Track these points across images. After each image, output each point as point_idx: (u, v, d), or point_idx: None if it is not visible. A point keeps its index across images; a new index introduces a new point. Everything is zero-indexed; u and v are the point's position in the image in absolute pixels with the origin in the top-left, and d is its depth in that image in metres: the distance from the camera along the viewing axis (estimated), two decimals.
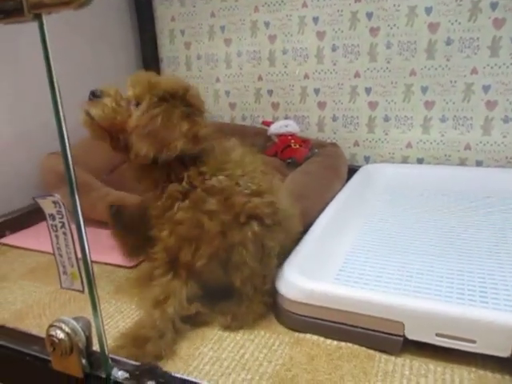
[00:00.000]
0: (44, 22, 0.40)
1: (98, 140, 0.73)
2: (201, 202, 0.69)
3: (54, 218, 0.48)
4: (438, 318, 0.61)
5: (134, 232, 0.83)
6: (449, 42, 1.28)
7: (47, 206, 0.47)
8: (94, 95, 0.70)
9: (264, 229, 0.69)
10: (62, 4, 0.38)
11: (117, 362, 0.54)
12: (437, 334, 0.62)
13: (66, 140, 0.44)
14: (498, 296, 0.75)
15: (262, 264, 0.71)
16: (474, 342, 0.60)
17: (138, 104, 0.70)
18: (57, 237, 0.48)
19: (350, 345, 0.67)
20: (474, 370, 0.61)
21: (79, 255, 0.48)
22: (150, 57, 1.67)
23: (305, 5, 1.41)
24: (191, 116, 0.69)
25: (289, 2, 1.43)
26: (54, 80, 0.42)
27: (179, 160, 0.70)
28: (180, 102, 0.70)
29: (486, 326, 0.58)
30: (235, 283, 0.71)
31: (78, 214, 0.46)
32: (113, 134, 0.71)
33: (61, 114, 0.42)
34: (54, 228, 0.48)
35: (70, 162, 0.45)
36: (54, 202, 0.46)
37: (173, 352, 0.67)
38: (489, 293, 0.76)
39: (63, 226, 0.47)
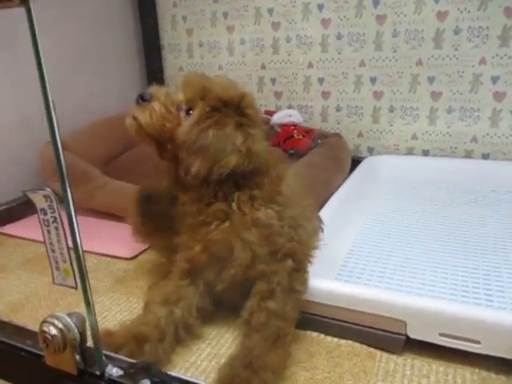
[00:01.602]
0: (31, 7, 0.38)
1: (144, 143, 0.68)
2: (242, 228, 0.64)
3: (45, 213, 0.46)
4: (441, 317, 0.59)
5: (156, 221, 0.78)
6: (457, 31, 1.24)
7: (38, 200, 0.45)
8: (143, 99, 0.65)
9: (295, 271, 0.66)
10: None
11: (111, 359, 0.52)
12: (440, 334, 0.60)
13: (56, 129, 0.42)
14: (504, 294, 0.73)
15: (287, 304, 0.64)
16: (478, 342, 0.58)
17: (188, 110, 0.66)
18: (49, 232, 0.47)
19: (350, 342, 0.66)
20: (477, 371, 0.59)
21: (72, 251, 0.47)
22: (151, 43, 1.63)
23: None
24: (245, 127, 0.64)
25: None
26: (43, 68, 0.40)
27: (230, 178, 0.64)
28: (234, 111, 0.65)
29: (492, 327, 0.57)
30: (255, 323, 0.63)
31: (69, 209, 0.44)
32: (161, 142, 0.66)
33: (50, 103, 0.40)
34: (46, 223, 0.46)
35: (61, 154, 0.43)
36: (46, 196, 0.45)
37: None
38: (494, 290, 0.74)
39: (55, 220, 0.46)
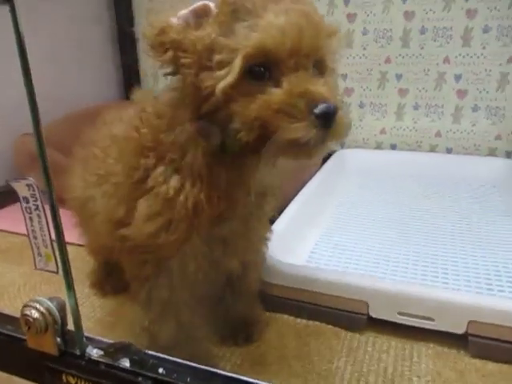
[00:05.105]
0: (15, 3, 0.40)
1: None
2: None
3: (27, 201, 0.48)
4: (399, 297, 0.65)
5: None
6: (423, 31, 1.31)
7: (21, 189, 0.47)
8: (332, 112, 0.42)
9: None
10: None
11: (91, 341, 0.55)
12: (399, 313, 0.65)
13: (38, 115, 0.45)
14: (459, 277, 0.79)
15: None
16: (432, 320, 0.64)
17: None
18: (31, 219, 0.49)
19: (317, 323, 0.70)
20: (431, 345, 0.65)
21: (53, 237, 0.49)
22: (125, 35, 1.63)
23: None
24: None
25: None
26: (27, 60, 0.42)
27: None
28: None
29: (443, 305, 0.62)
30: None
31: (51, 196, 0.46)
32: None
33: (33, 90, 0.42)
34: (28, 210, 0.49)
35: (43, 142, 0.45)
36: (28, 185, 0.47)
37: None
38: (450, 274, 0.80)
39: (37, 208, 0.48)
